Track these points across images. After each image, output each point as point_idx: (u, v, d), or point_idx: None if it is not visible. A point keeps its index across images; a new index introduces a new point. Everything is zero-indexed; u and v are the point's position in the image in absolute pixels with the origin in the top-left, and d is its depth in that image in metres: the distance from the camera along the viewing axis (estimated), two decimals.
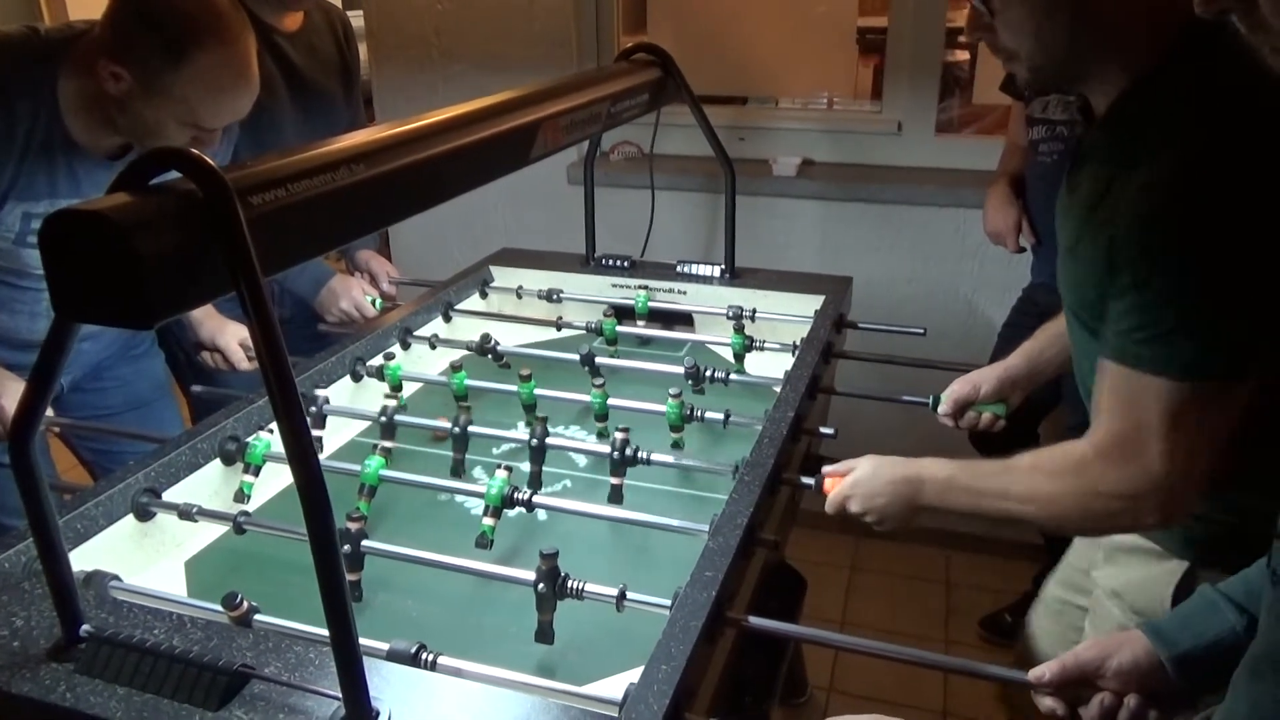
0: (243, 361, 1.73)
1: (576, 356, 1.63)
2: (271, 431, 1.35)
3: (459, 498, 1.36)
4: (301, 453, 0.73)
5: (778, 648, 1.43)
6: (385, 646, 0.95)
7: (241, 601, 0.98)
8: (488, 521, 1.19)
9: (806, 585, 1.63)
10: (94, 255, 0.69)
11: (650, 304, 1.90)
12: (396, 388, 1.57)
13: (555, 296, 1.94)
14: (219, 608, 1.00)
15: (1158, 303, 0.94)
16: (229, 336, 1.73)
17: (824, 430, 1.40)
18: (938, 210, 2.39)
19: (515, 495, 1.18)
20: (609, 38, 2.61)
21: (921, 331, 1.75)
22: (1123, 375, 0.98)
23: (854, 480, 1.21)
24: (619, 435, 1.30)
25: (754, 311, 1.81)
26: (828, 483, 1.25)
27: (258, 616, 0.99)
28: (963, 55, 2.78)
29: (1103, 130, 1.04)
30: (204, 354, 1.77)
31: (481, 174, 1.13)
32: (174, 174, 0.75)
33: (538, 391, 1.52)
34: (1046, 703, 0.94)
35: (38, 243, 0.70)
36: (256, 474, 1.31)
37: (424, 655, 0.92)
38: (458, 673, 0.92)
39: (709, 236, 2.57)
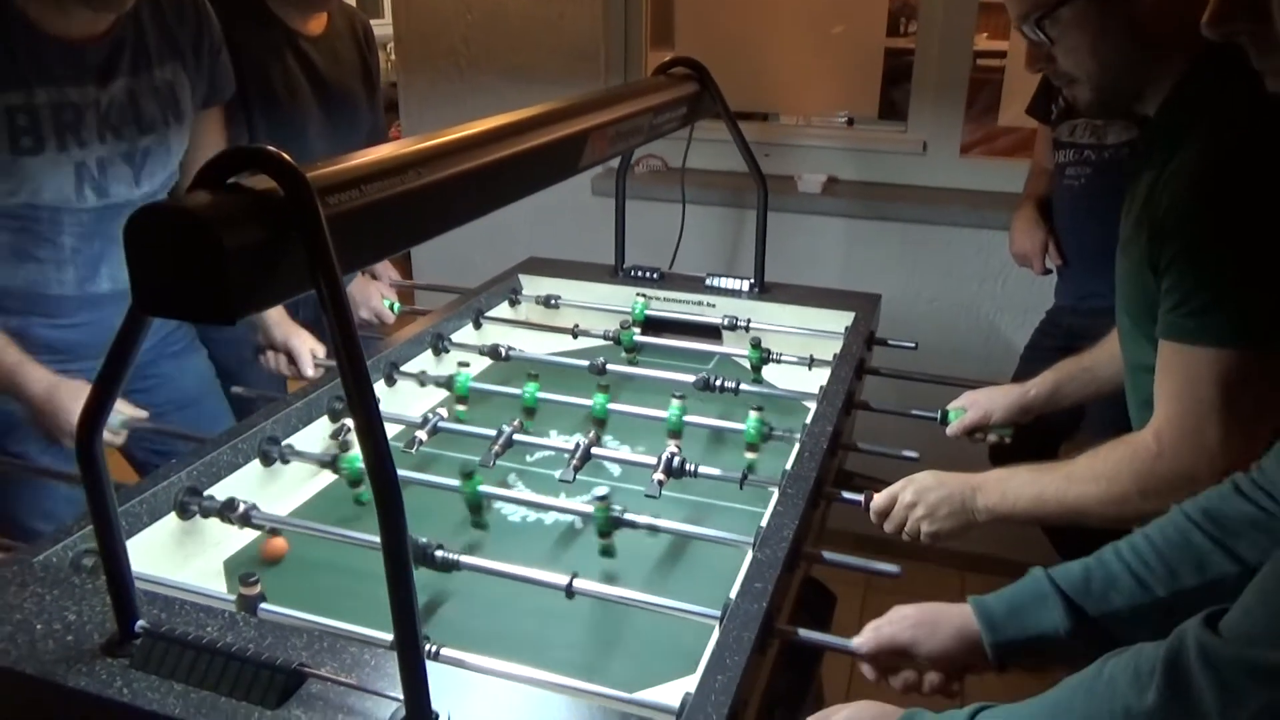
0: (309, 367, 1.72)
1: (591, 363, 1.66)
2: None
3: (498, 504, 1.36)
4: (378, 455, 0.73)
5: (810, 662, 1.43)
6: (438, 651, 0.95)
7: (256, 582, 1.00)
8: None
9: (836, 600, 1.62)
10: (179, 250, 0.70)
11: (674, 315, 1.91)
12: (462, 398, 1.58)
13: (583, 306, 1.95)
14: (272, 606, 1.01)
15: (1199, 274, 0.98)
16: (302, 341, 1.72)
17: (907, 453, 1.40)
18: (961, 230, 2.41)
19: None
20: (637, 52, 2.63)
21: (913, 346, 1.78)
22: (1176, 352, 1.02)
23: (910, 477, 1.24)
24: (672, 449, 1.31)
25: (748, 322, 1.84)
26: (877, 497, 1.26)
27: (265, 606, 1.01)
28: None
29: (1150, 133, 1.09)
30: (267, 355, 1.77)
31: (535, 181, 1.13)
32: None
33: (543, 396, 1.54)
34: (865, 669, 1.02)
35: (123, 238, 0.71)
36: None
37: (429, 647, 0.94)
38: (470, 666, 0.93)
39: (732, 251, 2.58)
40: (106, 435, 1.42)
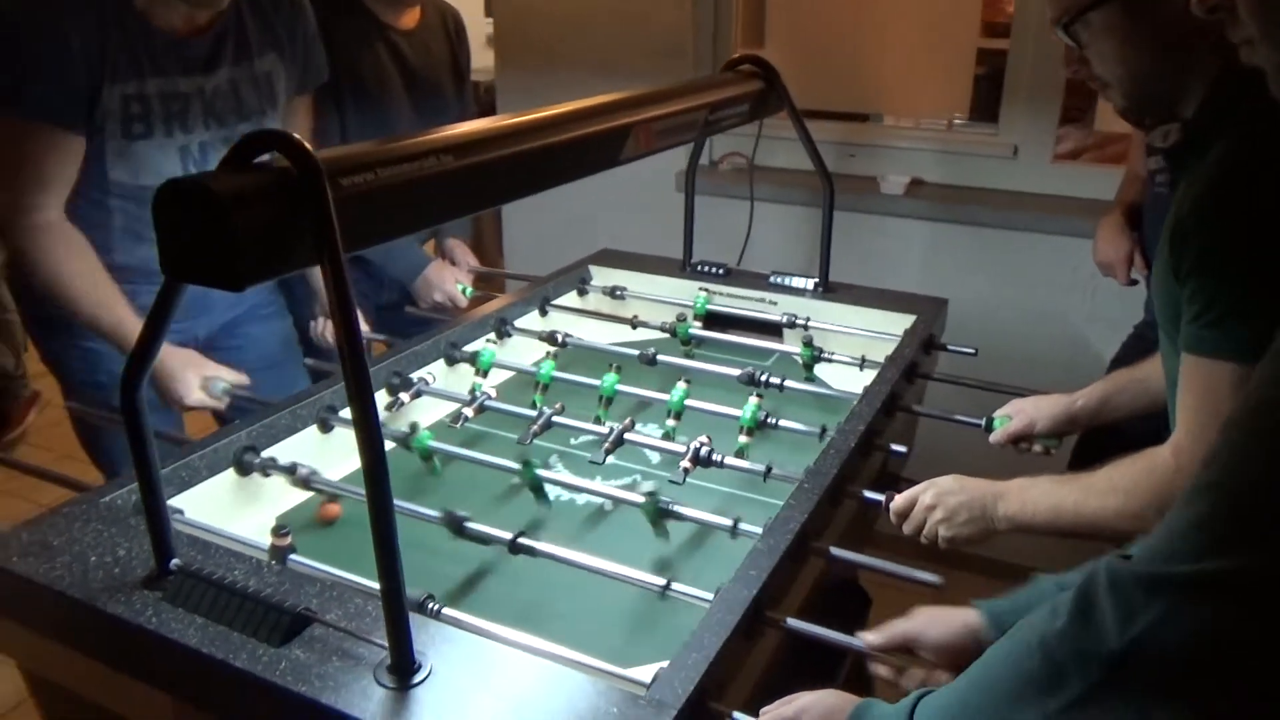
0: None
1: (641, 353, 1.69)
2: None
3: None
4: (365, 418, 0.79)
5: (834, 661, 1.42)
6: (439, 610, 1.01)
7: (287, 534, 1.09)
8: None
9: (871, 603, 1.61)
10: (197, 222, 0.77)
11: (736, 311, 1.93)
12: (484, 373, 1.64)
13: (647, 298, 1.99)
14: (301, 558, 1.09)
15: (1216, 284, 0.94)
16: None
17: (895, 447, 1.39)
18: (1049, 238, 2.33)
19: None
20: (726, 49, 2.64)
21: (973, 352, 1.76)
22: (1195, 365, 0.99)
23: (932, 480, 1.23)
24: (702, 440, 1.33)
25: (807, 320, 1.84)
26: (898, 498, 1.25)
27: (294, 556, 1.10)
28: None
29: (1186, 137, 1.06)
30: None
31: (567, 172, 1.18)
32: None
33: (589, 382, 1.59)
34: (876, 669, 1.01)
35: (151, 210, 0.79)
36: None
37: (430, 605, 1.00)
38: (490, 634, 0.97)
39: (810, 250, 2.56)
40: (209, 401, 1.56)
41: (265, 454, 1.33)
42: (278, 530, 1.11)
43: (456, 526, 1.16)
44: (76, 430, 1.73)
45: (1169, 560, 0.62)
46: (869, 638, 1.03)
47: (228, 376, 1.58)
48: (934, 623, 1.01)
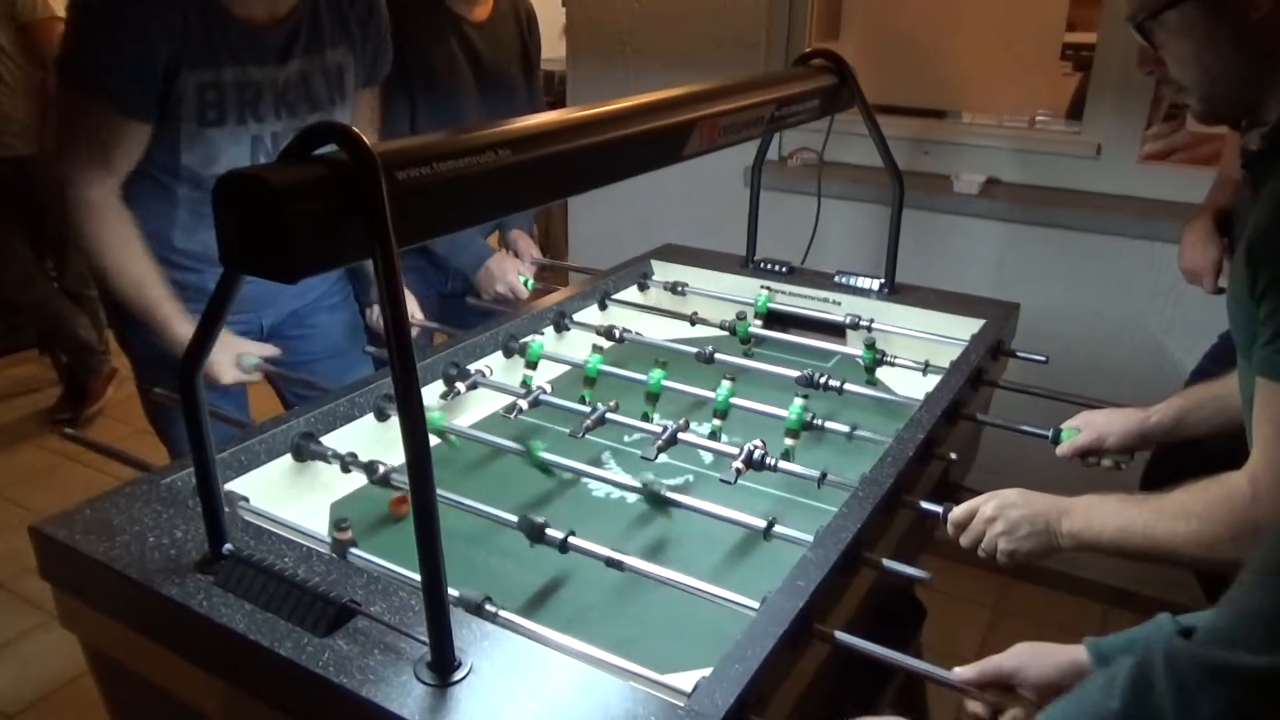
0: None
1: (699, 351, 1.67)
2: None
3: (583, 480, 1.41)
4: (411, 416, 0.79)
5: (882, 674, 1.39)
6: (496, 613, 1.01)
7: (348, 528, 1.09)
8: None
9: (925, 615, 1.57)
10: (253, 214, 0.78)
11: (798, 311, 1.89)
12: (533, 364, 1.65)
13: (708, 295, 1.97)
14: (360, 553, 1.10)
15: None
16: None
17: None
18: (1132, 242, 2.24)
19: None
20: (800, 42, 2.59)
21: (1044, 359, 1.69)
22: (1271, 391, 0.94)
23: (994, 492, 1.19)
24: (756, 444, 1.31)
25: (870, 322, 1.79)
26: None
27: (354, 551, 1.10)
28: None
29: (1264, 148, 0.98)
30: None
31: (627, 169, 1.16)
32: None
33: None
34: (971, 706, 0.95)
35: (211, 201, 0.80)
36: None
37: (488, 607, 0.99)
38: (532, 635, 0.96)
39: (879, 250, 2.50)
40: (242, 376, 1.59)
41: (324, 440, 1.35)
42: (338, 524, 1.11)
43: (535, 533, 1.14)
44: (146, 410, 1.78)
45: (1235, 646, 0.58)
46: (963, 673, 0.96)
47: (256, 351, 1.61)
48: (1036, 659, 0.94)
